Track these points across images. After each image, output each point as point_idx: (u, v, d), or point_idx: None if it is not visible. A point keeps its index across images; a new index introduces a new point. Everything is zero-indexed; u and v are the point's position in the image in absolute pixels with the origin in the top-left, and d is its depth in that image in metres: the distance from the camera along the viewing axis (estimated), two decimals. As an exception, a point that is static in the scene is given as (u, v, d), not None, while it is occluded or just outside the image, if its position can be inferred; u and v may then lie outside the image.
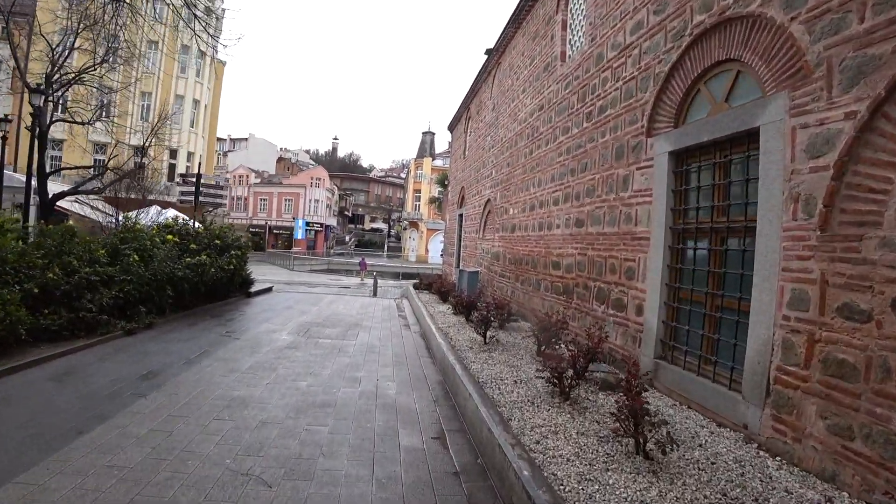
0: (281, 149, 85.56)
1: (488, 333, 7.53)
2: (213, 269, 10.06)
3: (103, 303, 7.47)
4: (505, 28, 12.72)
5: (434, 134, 68.20)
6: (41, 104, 15.09)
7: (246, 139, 70.13)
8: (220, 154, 67.65)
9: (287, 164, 78.60)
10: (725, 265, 4.67)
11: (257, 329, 9.18)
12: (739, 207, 4.51)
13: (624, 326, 6.15)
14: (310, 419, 4.86)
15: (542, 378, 5.09)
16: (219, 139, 71.92)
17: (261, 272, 35.95)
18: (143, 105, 32.57)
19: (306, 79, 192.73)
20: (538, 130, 10.04)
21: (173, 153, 32.87)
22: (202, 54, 34.25)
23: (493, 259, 12.85)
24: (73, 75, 16.31)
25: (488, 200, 14.10)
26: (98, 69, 15.68)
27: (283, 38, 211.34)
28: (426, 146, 66.84)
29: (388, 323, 10.89)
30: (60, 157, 30.35)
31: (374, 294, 17.21)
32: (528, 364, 6.35)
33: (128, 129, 32.12)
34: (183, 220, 14.91)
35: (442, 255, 61.02)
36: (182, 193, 14.81)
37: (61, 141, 30.77)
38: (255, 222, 61.61)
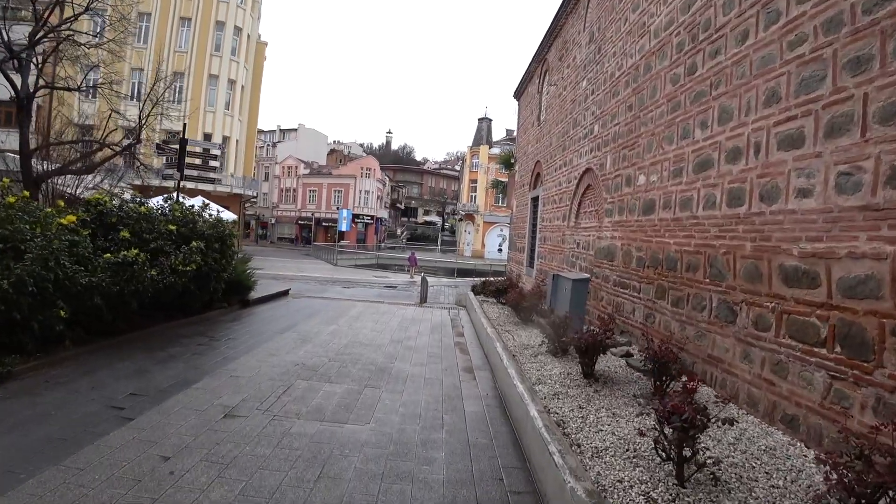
0: (333, 141, 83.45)
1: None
2: (153, 272, 6.17)
3: None
4: None
5: (491, 120, 63.75)
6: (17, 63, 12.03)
7: (295, 129, 68.00)
8: (269, 145, 65.97)
9: (339, 157, 76.22)
10: None
11: (180, 395, 4.83)
12: None
13: None
14: None
15: None
16: (267, 131, 70.45)
17: (299, 268, 32.69)
18: (176, 87, 29.96)
19: (360, 72, 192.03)
20: (708, 28, 5.50)
21: (206, 137, 30.13)
22: (238, 31, 31.34)
23: (602, 257, 8.35)
24: (63, 33, 13.22)
25: (587, 171, 9.59)
26: (90, 32, 12.40)
27: (338, 31, 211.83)
28: (482, 133, 62.29)
29: (439, 365, 6.61)
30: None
31: (423, 300, 13.06)
32: None
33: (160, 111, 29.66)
34: (213, 209, 11.15)
35: (501, 249, 56.73)
36: (166, 166, 11.11)
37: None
38: (303, 214, 59.32)
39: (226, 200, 30.75)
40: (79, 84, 14.48)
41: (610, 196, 8.20)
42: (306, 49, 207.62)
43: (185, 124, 10.07)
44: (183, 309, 7.88)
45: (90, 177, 15.37)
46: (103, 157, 14.20)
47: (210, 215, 8.44)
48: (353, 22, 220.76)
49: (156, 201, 17.99)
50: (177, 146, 10.15)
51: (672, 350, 4.43)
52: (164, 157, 11.08)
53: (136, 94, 29.89)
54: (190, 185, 28.96)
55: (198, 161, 11.31)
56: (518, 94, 18.76)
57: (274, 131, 69.63)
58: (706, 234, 5.26)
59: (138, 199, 8.97)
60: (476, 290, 14.67)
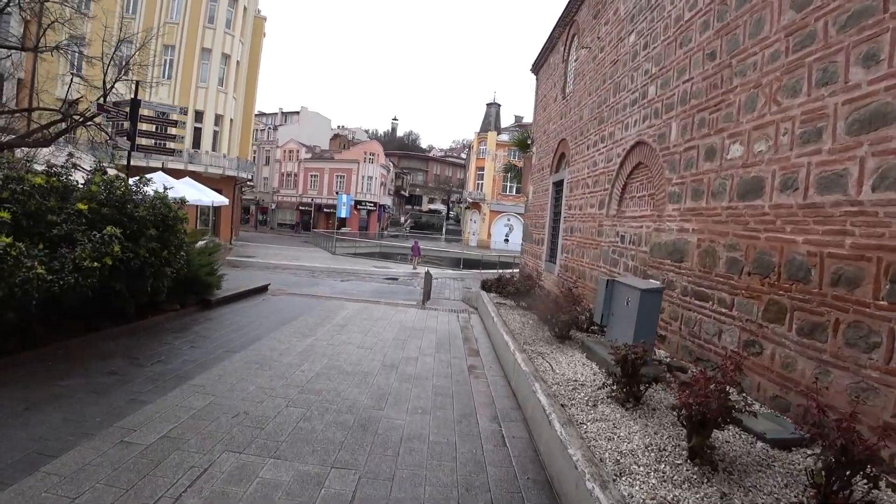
0: (338, 126, 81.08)
1: None
2: (40, 270, 4.23)
3: None
4: None
5: (500, 105, 61.28)
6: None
7: (297, 112, 65.78)
8: (270, 128, 63.92)
9: (343, 142, 73.84)
10: None
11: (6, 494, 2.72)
12: None
13: None
14: None
15: None
16: (269, 114, 68.25)
17: (295, 257, 30.63)
18: (166, 60, 27.93)
19: (366, 57, 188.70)
20: None
21: (198, 115, 28.14)
22: (233, 1, 29.18)
23: (664, 256, 6.40)
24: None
25: (636, 146, 7.60)
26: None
27: (344, 16, 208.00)
28: (491, 119, 59.97)
29: (450, 412, 4.60)
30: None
31: (427, 299, 11.13)
32: None
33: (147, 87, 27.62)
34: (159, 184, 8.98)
35: (507, 239, 54.51)
36: (116, 132, 9.01)
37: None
38: (304, 200, 57.41)
39: (218, 183, 28.81)
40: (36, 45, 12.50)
41: (677, 176, 6.23)
42: (312, 33, 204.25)
43: (137, 83, 8.13)
44: (114, 314, 6.00)
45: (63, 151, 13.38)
46: (59, 130, 12.25)
47: (154, 192, 6.48)
48: (359, 6, 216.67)
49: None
50: (127, 110, 8.18)
51: (861, 439, 2.49)
52: (113, 123, 9.11)
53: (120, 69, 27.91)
54: (173, 163, 27.02)
55: (152, 128, 9.31)
56: (536, 68, 16.68)
57: (276, 114, 67.40)
58: (879, 231, 3.30)
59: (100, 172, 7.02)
60: (488, 286, 12.79)
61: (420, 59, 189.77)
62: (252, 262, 23.41)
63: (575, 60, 12.01)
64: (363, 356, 5.92)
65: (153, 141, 9.05)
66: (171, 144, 10.99)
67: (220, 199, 24.02)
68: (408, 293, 14.36)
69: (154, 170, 22.92)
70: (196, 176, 26.33)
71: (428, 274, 12.64)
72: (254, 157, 61.76)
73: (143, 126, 9.42)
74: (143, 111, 9.16)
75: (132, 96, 8.19)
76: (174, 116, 10.33)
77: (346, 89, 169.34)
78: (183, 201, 6.56)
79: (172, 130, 10.85)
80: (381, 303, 10.49)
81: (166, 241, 6.06)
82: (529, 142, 16.58)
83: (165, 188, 6.72)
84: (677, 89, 6.47)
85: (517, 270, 34.30)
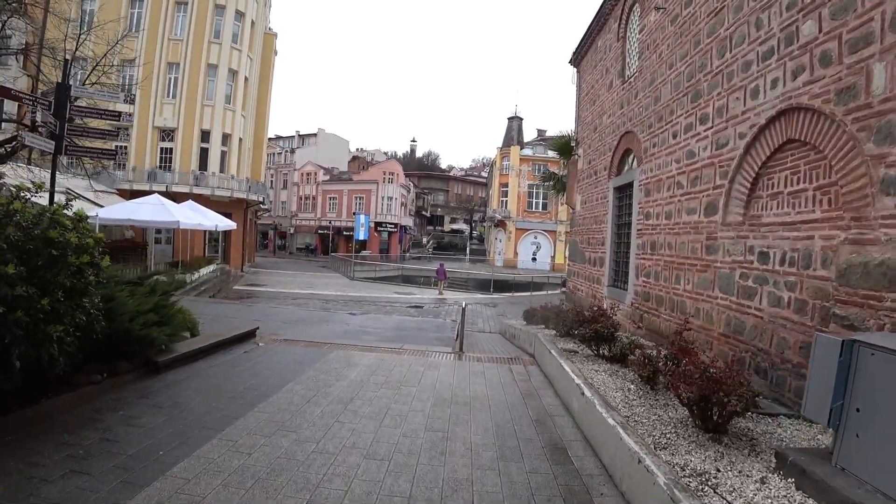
0: (357, 149, 79.71)
1: None
2: None
3: None
4: None
5: (522, 119, 59.30)
6: None
7: (314, 135, 64.58)
8: (287, 151, 62.84)
9: (362, 164, 72.24)
10: None
11: None
12: None
13: None
14: None
15: None
16: (286, 137, 67.23)
17: (310, 284, 27.95)
18: (170, 78, 26.42)
19: (383, 81, 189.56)
20: None
21: (204, 135, 26.42)
22: (240, 15, 27.65)
23: (878, 288, 3.74)
24: None
25: (780, 115, 5.00)
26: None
27: (361, 40, 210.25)
28: (513, 133, 57.80)
29: None
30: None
31: (461, 349, 8.42)
32: None
33: (151, 107, 26.11)
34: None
35: (535, 258, 51.64)
36: (36, 128, 6.59)
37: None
38: (322, 223, 55.67)
39: (228, 206, 26.92)
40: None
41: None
42: (329, 57, 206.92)
43: (67, 60, 5.83)
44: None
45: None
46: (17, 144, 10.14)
47: (34, 205, 4.05)
48: (375, 31, 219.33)
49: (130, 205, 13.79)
50: (51, 99, 5.88)
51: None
52: (36, 120, 6.88)
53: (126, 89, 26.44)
54: (177, 187, 25.05)
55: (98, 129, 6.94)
56: (578, 58, 14.24)
57: (293, 137, 66.33)
58: None
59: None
60: (536, 318, 10.26)
61: (436, 78, 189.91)
62: (260, 292, 21.16)
63: (640, 32, 9.51)
64: (373, 487, 3.33)
65: (98, 139, 6.70)
66: (106, 145, 8.54)
67: (227, 224, 21.98)
68: (437, 328, 11.82)
69: (147, 192, 21.03)
70: (202, 199, 24.45)
71: (463, 314, 10.05)
72: (271, 181, 60.56)
73: (99, 124, 7.14)
74: (82, 102, 6.93)
75: (60, 78, 5.90)
76: (117, 107, 8.06)
77: (363, 112, 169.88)
78: (81, 217, 4.12)
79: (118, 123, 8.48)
80: (404, 351, 7.88)
81: (48, 283, 3.68)
82: (573, 144, 14.05)
83: (68, 200, 4.32)
84: (879, 9, 3.90)
85: (558, 292, 31.33)
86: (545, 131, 61.50)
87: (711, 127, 6.43)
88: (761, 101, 5.35)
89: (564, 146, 14.92)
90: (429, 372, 6.51)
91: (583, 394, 4.57)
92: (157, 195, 18.12)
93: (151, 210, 16.65)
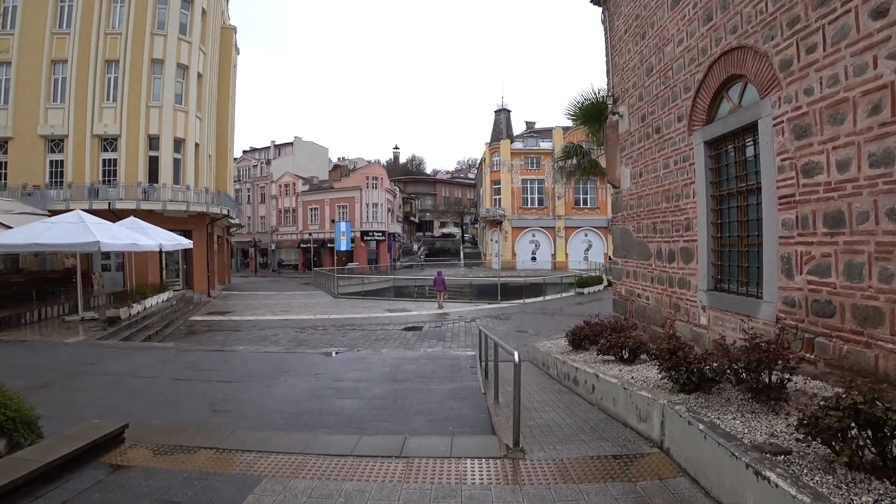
0: (339, 158, 75.89)
1: None
2: None
3: None
4: None
5: (510, 112, 55.90)
6: None
7: (291, 143, 60.73)
8: (263, 163, 58.98)
9: (343, 172, 68.49)
10: None
11: None
12: None
13: None
14: None
15: None
16: (261, 148, 63.33)
17: (286, 306, 22.99)
18: (109, 78, 22.66)
19: (360, 89, 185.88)
20: None
21: (153, 141, 22.65)
22: (187, 3, 23.99)
23: None
24: None
25: None
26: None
27: (335, 49, 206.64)
28: (501, 127, 54.50)
29: None
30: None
31: (517, 446, 4.45)
32: None
33: (88, 112, 22.30)
34: None
35: (534, 258, 48.15)
36: None
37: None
38: (304, 237, 51.85)
39: (186, 222, 23.09)
40: None
41: None
42: (304, 67, 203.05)
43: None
44: None
45: None
46: None
47: None
48: (349, 37, 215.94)
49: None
50: None
51: None
52: None
53: (57, 94, 22.67)
54: (122, 203, 21.32)
55: None
56: (602, -4, 10.79)
57: (268, 147, 62.43)
58: None
59: None
60: (605, 346, 6.86)
61: (415, 80, 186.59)
62: (221, 324, 17.35)
63: None
64: None
65: None
66: None
67: (177, 242, 18.18)
68: (450, 373, 8.21)
69: (89, 212, 17.21)
70: (154, 216, 20.65)
71: (496, 350, 6.44)
72: (248, 196, 56.52)
73: None
74: None
75: None
76: None
77: (342, 121, 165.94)
78: None
79: None
80: (409, 459, 4.12)
81: None
82: (608, 103, 10.58)
83: None
84: None
85: (572, 293, 27.26)
86: (534, 123, 58.36)
87: None
88: None
89: (593, 111, 11.44)
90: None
91: None
92: (77, 211, 14.36)
93: (67, 230, 12.90)
